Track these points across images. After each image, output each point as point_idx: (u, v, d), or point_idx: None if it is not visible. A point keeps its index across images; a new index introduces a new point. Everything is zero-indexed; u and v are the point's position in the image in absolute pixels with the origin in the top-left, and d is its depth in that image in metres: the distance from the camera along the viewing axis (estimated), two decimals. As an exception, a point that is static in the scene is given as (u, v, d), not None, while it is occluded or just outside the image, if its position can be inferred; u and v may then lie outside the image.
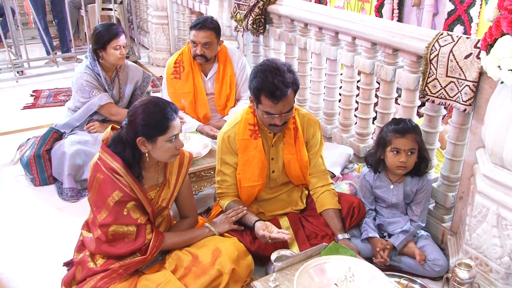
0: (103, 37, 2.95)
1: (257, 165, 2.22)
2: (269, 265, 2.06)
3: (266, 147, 2.25)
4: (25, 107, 4.49)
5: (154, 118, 1.85)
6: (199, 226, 2.19)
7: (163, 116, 1.86)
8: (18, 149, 3.30)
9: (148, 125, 1.85)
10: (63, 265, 2.30)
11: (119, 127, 2.00)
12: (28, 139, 3.32)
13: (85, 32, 6.32)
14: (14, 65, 5.33)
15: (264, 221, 2.15)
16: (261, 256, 2.15)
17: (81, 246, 2.07)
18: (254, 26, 3.53)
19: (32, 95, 4.80)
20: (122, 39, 3.00)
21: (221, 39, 3.11)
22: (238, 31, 3.82)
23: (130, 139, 1.87)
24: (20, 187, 3.07)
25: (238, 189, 2.28)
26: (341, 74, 3.02)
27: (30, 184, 3.07)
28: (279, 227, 2.21)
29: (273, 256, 1.99)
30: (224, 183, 2.29)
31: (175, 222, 2.26)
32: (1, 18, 5.57)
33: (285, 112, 2.06)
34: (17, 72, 5.35)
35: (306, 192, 2.42)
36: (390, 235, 2.26)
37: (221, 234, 2.13)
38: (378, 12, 4.02)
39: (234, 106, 3.24)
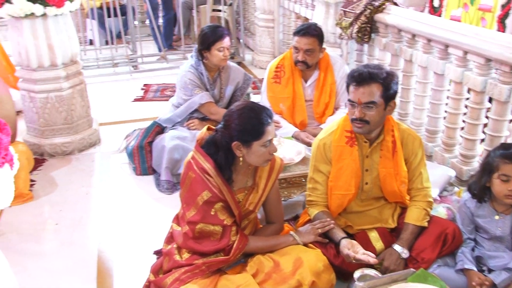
0: (209, 39, 3.06)
1: (350, 174, 2.17)
2: (351, 283, 2.00)
3: (361, 157, 2.18)
4: (135, 100, 4.81)
5: (250, 123, 1.88)
6: (284, 233, 2.18)
7: (258, 121, 1.88)
8: (125, 139, 3.54)
9: (244, 130, 1.88)
10: (153, 253, 2.43)
11: (214, 128, 2.06)
12: (134, 130, 3.55)
13: (195, 32, 6.61)
14: (130, 60, 5.74)
15: (351, 238, 2.09)
16: (344, 272, 2.09)
17: (170, 238, 2.16)
18: (359, 35, 3.44)
19: (142, 89, 5.13)
20: (226, 42, 3.09)
21: (324, 46, 3.07)
22: (342, 38, 3.76)
23: (225, 143, 1.91)
24: (123, 174, 3.29)
25: (328, 199, 2.24)
26: (448, 90, 2.84)
27: (132, 173, 3.28)
28: (367, 240, 2.14)
29: (356, 274, 1.93)
30: (315, 191, 2.26)
31: (261, 226, 2.28)
32: (124, 17, 6.01)
33: (364, 102, 2.00)
34: (132, 66, 5.76)
35: (399, 210, 2.31)
36: (490, 270, 2.07)
37: (305, 244, 2.10)
38: (501, 23, 3.71)
39: (332, 115, 3.19)
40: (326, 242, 2.12)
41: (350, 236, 2.15)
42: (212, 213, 1.94)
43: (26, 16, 3.16)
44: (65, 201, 2.96)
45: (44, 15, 3.19)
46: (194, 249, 1.99)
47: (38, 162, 3.39)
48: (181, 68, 3.31)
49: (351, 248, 2.00)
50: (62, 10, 3.27)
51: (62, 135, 3.50)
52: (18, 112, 3.64)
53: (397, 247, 2.07)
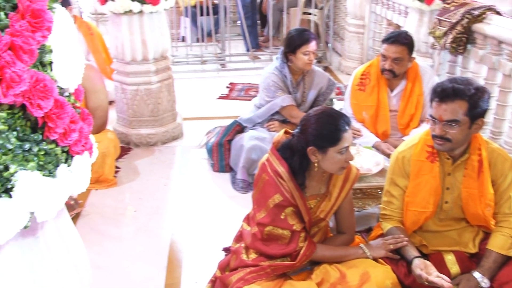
0: (295, 41, 3.05)
1: (429, 191, 2.05)
2: (420, 305, 1.90)
3: (442, 174, 2.06)
4: (220, 97, 4.93)
5: (327, 129, 1.85)
6: (354, 245, 2.12)
7: (335, 128, 1.85)
8: (206, 135, 3.64)
9: (320, 136, 1.85)
10: (222, 250, 2.47)
11: (291, 132, 2.05)
12: (216, 127, 3.63)
13: (284, 34, 6.64)
14: (218, 58, 5.89)
15: (424, 258, 1.98)
16: (414, 293, 1.99)
17: (239, 237, 2.18)
18: (454, 45, 3.26)
19: (228, 87, 5.24)
20: (312, 46, 3.06)
21: (414, 55, 2.95)
22: (434, 48, 3.58)
23: (301, 147, 1.90)
24: (201, 169, 3.38)
25: (403, 214, 2.15)
26: (550, 109, 2.61)
27: (210, 169, 3.36)
28: (443, 262, 2.02)
29: (427, 297, 1.83)
30: (390, 205, 2.17)
31: (331, 235, 2.24)
32: (216, 16, 6.20)
33: (446, 120, 1.87)
34: (220, 64, 5.91)
35: (482, 235, 2.16)
36: None
37: (375, 259, 2.03)
38: None
39: (417, 127, 3.05)
40: (398, 259, 2.03)
41: (424, 256, 2.04)
42: (282, 217, 1.93)
43: (125, 12, 3.36)
44: (145, 190, 3.10)
45: (140, 12, 3.37)
46: (261, 251, 2.00)
47: (124, 150, 3.58)
48: (265, 69, 3.34)
49: (424, 269, 1.89)
50: (157, 8, 3.43)
51: (148, 127, 3.67)
52: (111, 102, 3.87)
53: (476, 274, 1.93)
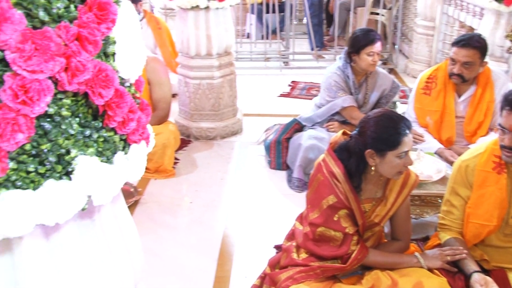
0: (359, 42, 2.99)
1: (494, 204, 1.95)
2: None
3: (510, 187, 1.95)
4: (281, 95, 4.93)
5: (386, 132, 1.81)
6: (409, 253, 2.06)
7: (395, 131, 1.80)
8: (264, 132, 3.65)
9: (379, 139, 1.81)
10: (273, 247, 2.47)
11: (349, 133, 2.01)
12: (275, 124, 3.64)
13: (349, 34, 6.53)
14: (282, 56, 5.89)
15: (485, 273, 1.88)
16: (469, 309, 1.90)
17: (291, 235, 2.18)
18: (532, 50, 3.07)
19: (290, 85, 5.23)
20: (377, 47, 2.99)
21: (487, 59, 2.80)
22: (511, 53, 3.39)
23: (358, 149, 1.86)
24: (258, 165, 3.40)
25: (463, 225, 2.05)
26: None
27: (267, 166, 3.38)
28: (505, 280, 1.91)
29: (484, 315, 1.74)
30: (450, 215, 2.08)
31: (385, 240, 2.18)
32: (282, 14, 6.20)
33: None
34: (283, 62, 5.90)
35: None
36: None
37: (430, 270, 1.95)
38: None
39: (485, 135, 2.90)
40: (455, 271, 1.94)
41: (485, 271, 1.94)
42: (335, 218, 1.90)
43: (192, 8, 3.43)
44: (202, 183, 3.16)
45: (207, 7, 3.43)
46: (312, 251, 1.98)
47: (184, 142, 3.67)
48: (327, 69, 3.30)
49: (484, 285, 1.80)
50: (223, 4, 3.48)
51: (208, 121, 3.74)
52: (174, 95, 3.97)
53: None
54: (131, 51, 0.94)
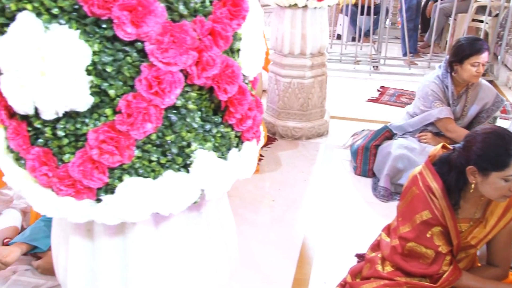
0: (464, 51, 2.83)
1: None
2: None
3: None
4: (369, 100, 4.80)
5: (494, 151, 1.69)
6: (507, 282, 1.92)
7: (504, 151, 1.67)
8: (351, 136, 3.57)
9: (485, 157, 1.70)
10: (354, 255, 2.41)
11: (450, 147, 1.91)
12: (363, 130, 3.55)
13: (446, 41, 6.22)
14: (373, 60, 5.74)
15: None
16: None
17: (377, 246, 2.11)
18: None
19: (378, 90, 5.08)
20: (484, 57, 2.81)
21: None
22: None
23: (460, 164, 1.76)
24: (342, 170, 3.34)
25: None
26: None
27: (351, 171, 3.30)
28: None
29: None
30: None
31: (479, 264, 2.05)
32: (375, 16, 6.04)
33: None
34: (373, 66, 5.75)
35: None
36: None
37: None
38: None
39: None
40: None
41: None
42: (428, 235, 1.81)
43: (290, 6, 3.42)
44: (284, 181, 3.15)
45: (305, 6, 3.41)
46: (399, 265, 1.91)
47: (270, 140, 3.68)
48: (425, 77, 3.16)
49: None
50: (321, 4, 3.43)
51: (295, 120, 3.72)
52: (263, 91, 3.99)
53: None
54: (254, 48, 0.94)
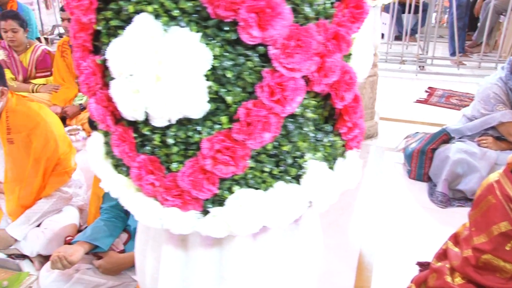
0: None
1: None
2: None
3: None
4: (417, 101, 4.67)
5: None
6: None
7: None
8: (405, 138, 3.46)
9: None
10: (416, 263, 2.32)
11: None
12: (417, 132, 3.43)
13: (495, 40, 6.01)
14: (419, 59, 5.58)
15: None
16: None
17: (443, 255, 2.02)
18: None
19: (426, 91, 4.94)
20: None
21: None
22: None
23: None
24: (395, 173, 3.24)
25: None
26: None
27: (405, 175, 3.20)
28: None
29: None
30: None
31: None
32: (423, 13, 5.88)
33: None
34: (419, 66, 5.59)
35: None
36: None
37: None
38: None
39: None
40: None
41: None
42: (507, 248, 1.71)
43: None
44: (337, 184, 3.07)
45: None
46: (471, 278, 1.81)
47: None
48: (486, 79, 3.03)
49: None
50: (376, 3, 3.33)
51: (346, 121, 3.64)
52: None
53: None
54: (365, 53, 0.88)
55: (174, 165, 0.80)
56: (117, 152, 0.83)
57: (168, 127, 0.78)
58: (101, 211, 2.19)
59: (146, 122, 0.79)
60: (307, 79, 0.76)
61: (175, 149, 0.79)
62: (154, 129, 0.79)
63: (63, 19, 3.83)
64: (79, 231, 2.35)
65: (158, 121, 0.76)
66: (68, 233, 2.23)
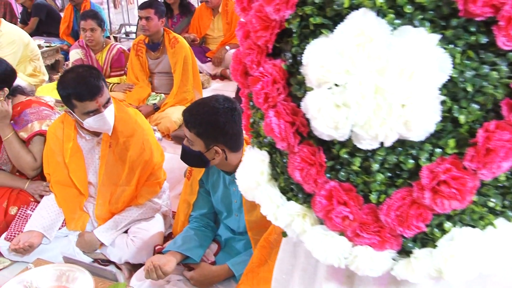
0: None
1: None
2: None
3: None
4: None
5: None
6: None
7: None
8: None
9: None
10: None
11: None
12: None
13: None
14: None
15: None
16: None
17: None
18: None
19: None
20: None
21: None
22: None
23: None
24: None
25: None
26: None
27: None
28: None
29: None
30: None
31: None
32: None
33: None
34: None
35: None
36: None
37: None
38: None
39: None
40: None
41: None
42: None
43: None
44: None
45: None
46: None
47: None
48: None
49: None
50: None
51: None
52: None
53: None
54: None
55: (373, 196, 0.66)
56: (299, 177, 0.69)
57: (374, 149, 0.63)
58: (190, 219, 2.10)
59: (345, 142, 0.65)
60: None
61: (379, 176, 0.64)
62: (355, 152, 0.65)
63: (140, 18, 3.78)
64: (164, 238, 2.26)
65: (367, 143, 0.61)
66: (156, 241, 2.14)
